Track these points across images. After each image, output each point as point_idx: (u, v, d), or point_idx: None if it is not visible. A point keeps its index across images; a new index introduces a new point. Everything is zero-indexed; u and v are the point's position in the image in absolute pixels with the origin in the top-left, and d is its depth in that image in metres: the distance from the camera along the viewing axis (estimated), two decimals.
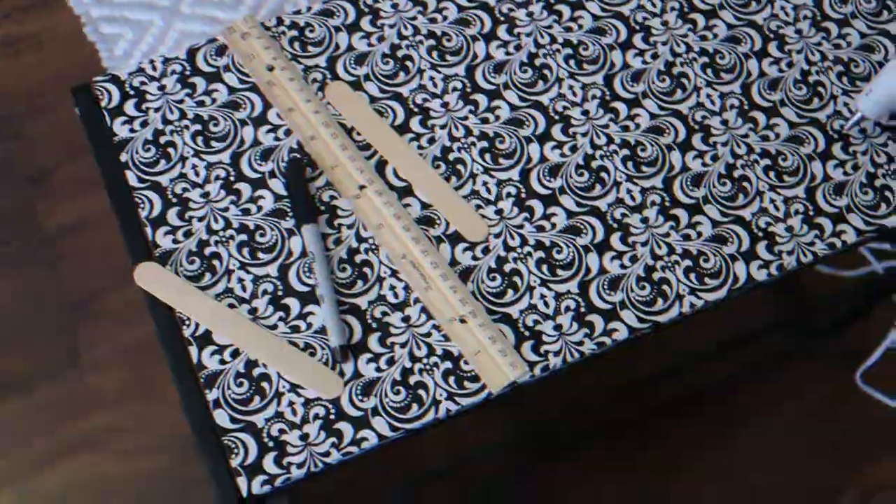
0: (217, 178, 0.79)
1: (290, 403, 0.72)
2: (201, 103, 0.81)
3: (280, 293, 0.75)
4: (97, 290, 1.47)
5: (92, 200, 1.52)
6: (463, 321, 0.74)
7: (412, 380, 0.73)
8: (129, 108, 0.81)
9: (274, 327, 0.74)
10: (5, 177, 1.56)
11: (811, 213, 0.79)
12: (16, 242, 1.51)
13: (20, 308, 1.47)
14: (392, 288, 0.75)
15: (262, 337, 0.74)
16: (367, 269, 0.76)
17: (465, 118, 0.81)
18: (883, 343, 1.34)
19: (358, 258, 0.76)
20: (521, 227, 0.78)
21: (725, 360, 1.34)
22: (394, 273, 0.76)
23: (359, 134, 0.80)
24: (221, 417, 0.71)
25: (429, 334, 0.74)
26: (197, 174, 0.79)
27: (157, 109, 0.81)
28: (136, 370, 1.39)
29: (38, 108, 1.59)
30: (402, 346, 0.74)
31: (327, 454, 0.71)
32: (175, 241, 0.76)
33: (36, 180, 1.54)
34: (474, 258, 0.77)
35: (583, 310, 0.75)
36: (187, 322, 0.74)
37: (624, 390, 1.34)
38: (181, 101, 0.81)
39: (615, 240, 0.78)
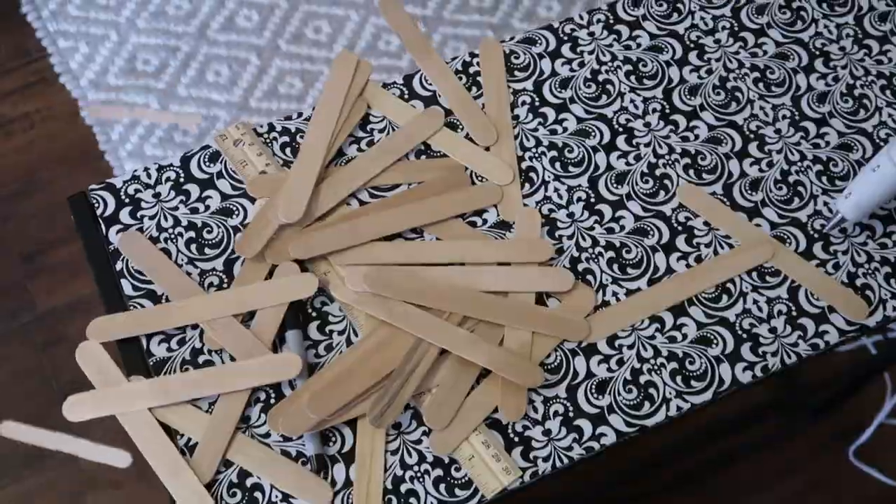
0: (211, 285, 0.80)
1: None
2: (195, 210, 0.83)
3: (272, 401, 0.76)
4: None
5: (84, 281, 1.53)
6: None
7: (403, 487, 0.74)
8: (125, 216, 0.82)
9: (266, 435, 0.75)
10: None
11: (794, 313, 0.81)
12: (7, 322, 1.52)
13: (9, 388, 1.47)
14: None
15: (251, 446, 0.74)
16: None
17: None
18: (875, 420, 1.35)
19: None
20: None
21: (721, 440, 1.35)
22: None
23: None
24: None
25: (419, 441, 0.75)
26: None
27: (151, 217, 0.82)
28: (133, 449, 1.40)
29: (32, 187, 1.61)
30: (394, 453, 0.75)
31: None
32: (169, 350, 0.77)
33: (29, 260, 1.56)
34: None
35: (571, 414, 0.76)
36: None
37: (626, 468, 1.35)
38: (175, 209, 0.83)
39: (603, 345, 0.79)
